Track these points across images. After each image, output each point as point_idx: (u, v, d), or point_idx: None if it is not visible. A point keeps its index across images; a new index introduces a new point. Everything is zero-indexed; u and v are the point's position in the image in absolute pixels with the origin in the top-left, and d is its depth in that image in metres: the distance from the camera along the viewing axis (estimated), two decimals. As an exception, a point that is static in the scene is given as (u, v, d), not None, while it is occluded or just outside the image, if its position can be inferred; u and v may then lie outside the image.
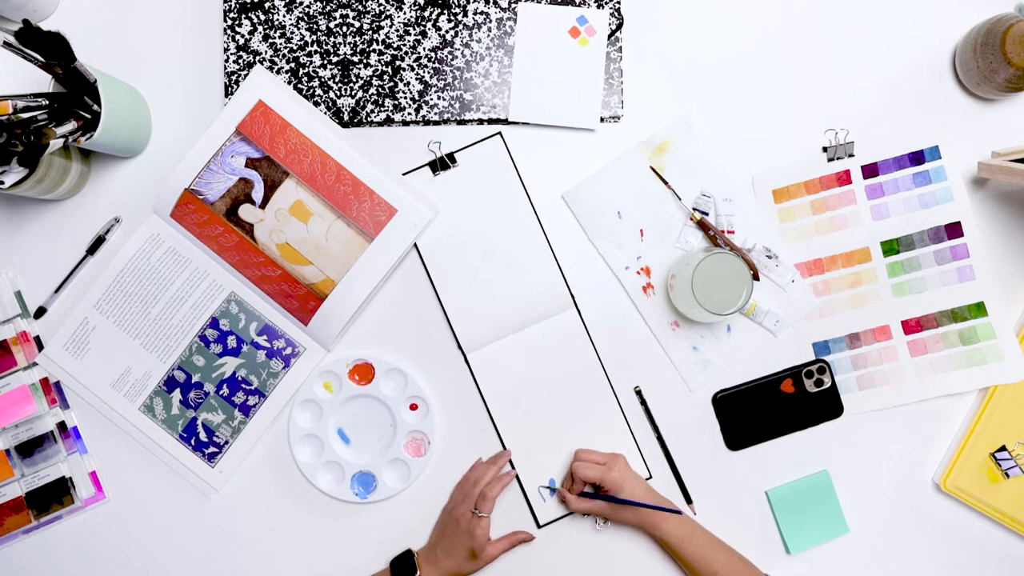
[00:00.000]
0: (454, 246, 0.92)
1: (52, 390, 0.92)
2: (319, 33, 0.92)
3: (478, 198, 0.92)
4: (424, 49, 0.92)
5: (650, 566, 0.93)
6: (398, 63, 0.92)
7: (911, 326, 0.92)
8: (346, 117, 0.92)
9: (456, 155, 0.92)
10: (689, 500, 0.93)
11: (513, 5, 0.92)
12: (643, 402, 0.93)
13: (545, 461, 0.92)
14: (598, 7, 0.92)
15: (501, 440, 0.92)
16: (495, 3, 0.92)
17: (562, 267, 0.92)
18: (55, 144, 0.75)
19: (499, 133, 0.92)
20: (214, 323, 0.91)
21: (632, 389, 0.93)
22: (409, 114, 0.92)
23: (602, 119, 0.92)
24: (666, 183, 0.92)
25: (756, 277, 0.89)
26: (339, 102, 0.92)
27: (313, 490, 0.92)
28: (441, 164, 0.91)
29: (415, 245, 0.92)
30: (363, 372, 0.93)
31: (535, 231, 0.92)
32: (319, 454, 0.92)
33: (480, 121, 0.92)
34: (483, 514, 0.86)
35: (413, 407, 0.92)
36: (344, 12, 0.92)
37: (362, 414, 0.93)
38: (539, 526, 0.92)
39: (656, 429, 0.93)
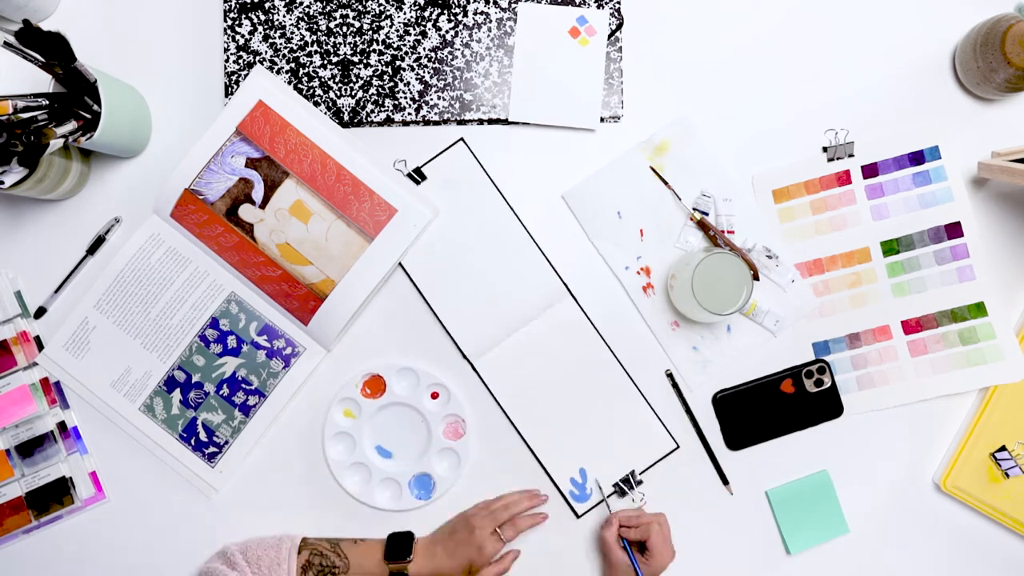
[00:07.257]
0: (441, 258, 0.92)
1: (52, 390, 0.92)
2: (319, 33, 0.92)
3: (454, 207, 0.92)
4: (424, 49, 0.92)
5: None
6: (398, 63, 0.92)
7: (911, 326, 0.92)
8: (346, 117, 0.92)
9: (424, 169, 0.92)
10: (726, 481, 0.92)
11: (513, 5, 0.92)
12: (675, 384, 0.92)
13: (572, 452, 0.92)
14: (598, 7, 0.92)
15: (524, 439, 0.92)
16: (495, 3, 0.92)
17: (549, 258, 0.92)
18: (55, 144, 0.75)
19: (461, 139, 0.92)
20: (214, 323, 0.91)
21: (664, 373, 0.93)
22: (409, 114, 0.92)
23: (602, 119, 0.92)
24: (666, 183, 0.92)
25: (756, 277, 0.88)
26: (339, 102, 0.92)
27: (367, 506, 0.92)
28: (413, 180, 0.91)
29: (401, 265, 0.91)
30: (374, 385, 0.93)
31: (516, 228, 0.92)
32: (368, 480, 0.92)
33: (480, 121, 0.92)
34: (504, 539, 0.87)
35: (434, 395, 0.92)
36: (344, 12, 0.92)
37: (390, 423, 0.93)
38: (578, 516, 0.92)
39: (689, 411, 0.92)
